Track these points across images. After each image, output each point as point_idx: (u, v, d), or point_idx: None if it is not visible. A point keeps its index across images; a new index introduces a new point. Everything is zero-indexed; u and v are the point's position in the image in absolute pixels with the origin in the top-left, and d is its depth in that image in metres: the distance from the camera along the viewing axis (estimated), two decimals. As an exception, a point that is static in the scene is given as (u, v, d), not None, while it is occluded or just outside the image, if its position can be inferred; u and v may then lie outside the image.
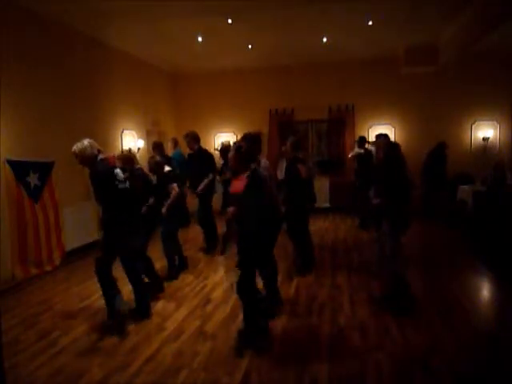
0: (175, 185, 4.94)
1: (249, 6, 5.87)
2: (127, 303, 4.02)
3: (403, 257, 4.28)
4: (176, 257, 5.28)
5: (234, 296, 3.95)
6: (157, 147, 6.32)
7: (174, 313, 4.13)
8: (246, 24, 6.67)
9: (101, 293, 3.96)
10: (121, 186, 3.76)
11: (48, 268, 5.58)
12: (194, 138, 6.23)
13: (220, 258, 6.06)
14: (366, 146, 7.80)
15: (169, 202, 4.86)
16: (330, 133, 9.96)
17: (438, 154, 8.46)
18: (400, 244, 4.12)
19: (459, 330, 3.59)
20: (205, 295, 4.58)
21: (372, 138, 8.78)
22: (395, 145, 4.38)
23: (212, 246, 6.38)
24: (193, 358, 3.21)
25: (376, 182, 4.42)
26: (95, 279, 4.39)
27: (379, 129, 9.39)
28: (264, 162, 4.16)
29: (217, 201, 6.43)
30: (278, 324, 3.80)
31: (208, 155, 6.36)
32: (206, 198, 6.23)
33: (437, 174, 8.31)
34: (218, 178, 6.33)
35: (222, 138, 9.75)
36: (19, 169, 5.25)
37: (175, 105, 10.30)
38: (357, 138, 8.66)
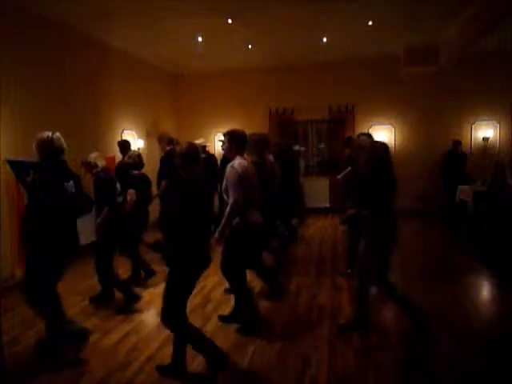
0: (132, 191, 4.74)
1: (249, 6, 5.87)
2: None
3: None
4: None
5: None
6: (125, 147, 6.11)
7: (173, 313, 4.12)
8: (246, 24, 6.67)
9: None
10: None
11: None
12: (166, 140, 5.85)
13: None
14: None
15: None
16: (330, 133, 9.96)
17: (457, 153, 8.64)
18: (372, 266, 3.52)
19: (459, 329, 3.59)
20: (205, 295, 4.58)
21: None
22: (378, 146, 3.60)
23: None
24: (193, 358, 3.20)
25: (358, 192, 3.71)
26: (95, 278, 4.44)
27: (379, 129, 9.42)
28: (238, 163, 3.55)
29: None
30: (278, 324, 3.81)
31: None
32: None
33: (459, 172, 8.38)
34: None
35: (221, 137, 9.74)
36: (19, 169, 5.24)
37: (175, 105, 10.30)
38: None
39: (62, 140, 3.26)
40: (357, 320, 3.58)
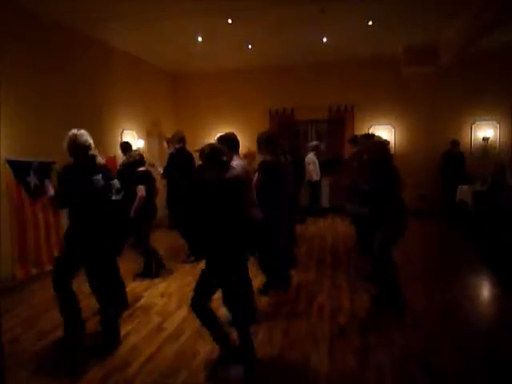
0: (142, 187, 4.87)
1: (249, 6, 5.86)
2: None
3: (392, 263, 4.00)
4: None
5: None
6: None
7: (174, 313, 4.13)
8: (246, 24, 6.66)
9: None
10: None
11: (48, 268, 5.56)
12: (177, 138, 5.93)
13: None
14: None
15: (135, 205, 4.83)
16: (330, 133, 9.96)
17: (454, 152, 8.70)
18: (391, 253, 3.94)
19: (459, 329, 3.59)
20: (205, 295, 4.58)
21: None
22: (379, 144, 4.02)
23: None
24: (193, 357, 3.21)
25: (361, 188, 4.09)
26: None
27: (379, 129, 9.42)
28: (237, 164, 3.61)
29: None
30: (278, 324, 3.80)
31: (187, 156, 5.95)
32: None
33: (458, 172, 8.42)
34: None
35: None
36: (19, 169, 5.25)
37: (175, 105, 10.30)
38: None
39: (87, 135, 3.33)
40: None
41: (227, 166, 3.09)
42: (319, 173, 8.85)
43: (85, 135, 3.31)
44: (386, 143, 4.06)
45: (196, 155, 6.19)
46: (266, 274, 4.54)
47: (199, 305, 2.97)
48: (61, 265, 3.42)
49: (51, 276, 3.44)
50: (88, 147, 3.31)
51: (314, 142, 9.12)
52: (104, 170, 3.46)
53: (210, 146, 3.05)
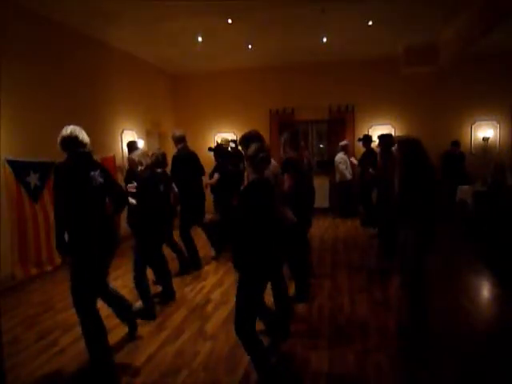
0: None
1: (249, 5, 5.87)
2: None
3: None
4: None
5: (233, 297, 3.95)
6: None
7: (174, 313, 4.13)
8: (246, 24, 6.67)
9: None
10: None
11: (48, 268, 5.58)
12: (176, 138, 5.80)
13: (218, 258, 6.04)
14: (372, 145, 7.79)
15: None
16: (330, 133, 9.96)
17: (454, 153, 8.71)
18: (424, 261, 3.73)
19: (459, 330, 3.59)
20: (204, 295, 4.58)
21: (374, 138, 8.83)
22: (414, 142, 3.75)
23: (193, 265, 5.45)
24: (193, 357, 3.21)
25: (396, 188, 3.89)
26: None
27: (379, 129, 9.41)
28: (273, 163, 3.62)
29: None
30: (278, 324, 3.81)
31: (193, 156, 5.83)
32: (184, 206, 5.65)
33: (459, 172, 8.44)
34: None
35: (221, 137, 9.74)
36: (19, 169, 5.26)
37: (175, 105, 10.30)
38: (358, 137, 8.66)
39: (84, 132, 3.07)
40: (414, 324, 3.45)
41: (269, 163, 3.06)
42: (351, 171, 8.80)
43: (69, 128, 3.01)
44: (417, 141, 3.75)
45: (209, 155, 6.25)
46: (297, 280, 4.36)
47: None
48: (89, 284, 3.04)
49: (76, 301, 3.01)
50: (75, 138, 2.98)
51: (344, 142, 9.05)
52: (103, 167, 3.18)
53: (259, 145, 2.89)
